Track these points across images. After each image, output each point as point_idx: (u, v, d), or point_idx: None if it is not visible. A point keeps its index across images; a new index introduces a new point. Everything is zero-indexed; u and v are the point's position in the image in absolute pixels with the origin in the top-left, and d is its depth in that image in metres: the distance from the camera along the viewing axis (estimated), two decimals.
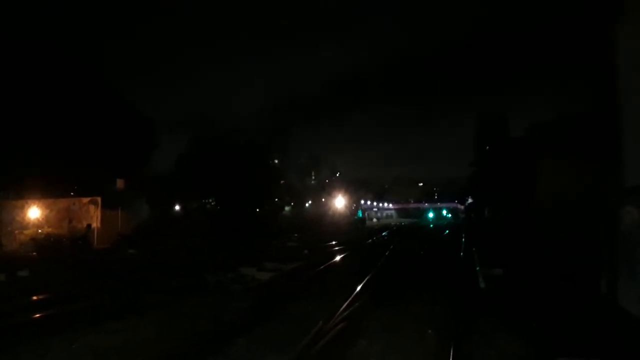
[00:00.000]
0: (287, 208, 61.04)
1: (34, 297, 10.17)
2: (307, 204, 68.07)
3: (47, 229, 25.18)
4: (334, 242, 26.04)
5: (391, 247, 22.27)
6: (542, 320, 7.75)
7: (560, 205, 20.06)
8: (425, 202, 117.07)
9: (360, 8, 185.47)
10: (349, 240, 27.36)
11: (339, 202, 59.56)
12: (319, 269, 14.66)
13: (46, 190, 26.78)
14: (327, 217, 57.92)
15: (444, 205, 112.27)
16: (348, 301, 8.82)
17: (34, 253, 22.04)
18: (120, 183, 31.77)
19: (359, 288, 10.34)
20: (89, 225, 26.37)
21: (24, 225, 25.24)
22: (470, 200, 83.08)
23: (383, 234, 37.04)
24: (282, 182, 58.11)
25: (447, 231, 41.61)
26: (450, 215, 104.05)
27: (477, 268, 13.54)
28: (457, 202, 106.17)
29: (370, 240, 29.18)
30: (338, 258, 18.00)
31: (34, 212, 25.54)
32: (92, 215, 27.12)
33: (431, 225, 60.40)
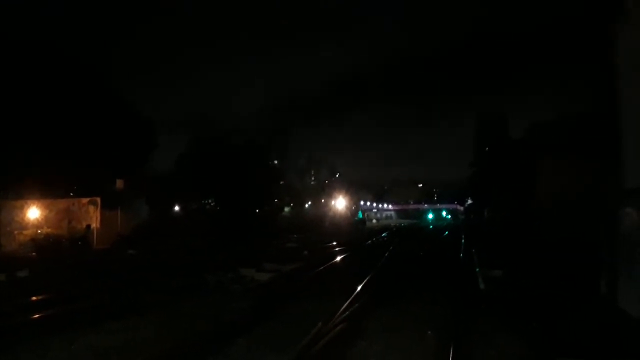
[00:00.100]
0: (286, 209, 61.09)
1: (34, 298, 10.16)
2: (306, 205, 68.11)
3: (46, 230, 25.15)
4: (333, 243, 26.03)
5: (391, 248, 22.26)
6: (541, 320, 7.75)
7: (560, 205, 20.07)
8: (425, 203, 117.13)
9: (360, 8, 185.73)
10: (348, 241, 27.34)
11: (340, 203, 59.55)
12: (318, 269, 14.66)
13: (45, 191, 26.76)
14: (326, 218, 57.92)
15: (444, 206, 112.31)
16: (348, 302, 8.82)
17: (34, 253, 22.01)
18: (119, 183, 31.74)
19: (358, 288, 10.34)
20: (88, 226, 26.34)
21: (24, 226, 25.21)
22: (469, 201, 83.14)
23: (383, 234, 37.04)
24: (281, 182, 58.15)
25: (446, 232, 41.61)
26: (449, 216, 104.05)
27: (477, 269, 13.54)
28: (457, 203, 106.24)
29: (369, 241, 29.18)
30: (338, 259, 17.99)
31: (34, 213, 25.51)
32: (92, 215, 27.10)
33: (431, 227, 60.39)
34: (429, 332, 7.20)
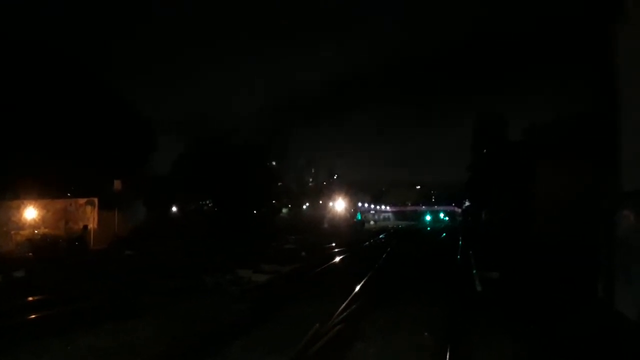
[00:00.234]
0: (284, 210, 61.02)
1: (30, 298, 10.13)
2: (304, 206, 68.08)
3: (43, 230, 25.06)
4: (332, 244, 26.02)
5: (388, 249, 22.28)
6: (539, 323, 7.77)
7: (557, 207, 20.12)
8: (423, 205, 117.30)
9: (360, 8, 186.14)
10: (346, 243, 27.35)
11: (339, 204, 59.54)
12: (316, 271, 14.66)
13: (43, 191, 26.66)
14: (325, 219, 57.93)
15: (442, 208, 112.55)
16: (345, 303, 8.83)
17: (30, 254, 21.93)
18: (117, 184, 31.64)
19: (356, 290, 10.36)
20: (85, 226, 26.27)
21: (20, 226, 25.11)
22: (467, 203, 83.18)
23: (380, 236, 37.05)
24: (279, 184, 58.07)
25: (444, 234, 41.65)
26: (447, 218, 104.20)
27: (474, 271, 13.56)
28: (455, 205, 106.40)
29: (367, 243, 29.18)
30: (336, 260, 18.00)
31: (31, 213, 25.42)
32: (89, 216, 27.03)
33: (428, 228, 60.44)
34: (426, 333, 7.21)
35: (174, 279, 13.04)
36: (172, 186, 39.27)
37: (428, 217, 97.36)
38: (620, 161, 8.36)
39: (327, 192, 69.76)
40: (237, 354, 6.38)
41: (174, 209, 42.26)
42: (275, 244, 27.05)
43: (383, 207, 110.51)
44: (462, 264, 16.48)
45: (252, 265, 14.81)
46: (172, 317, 8.59)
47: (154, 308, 9.24)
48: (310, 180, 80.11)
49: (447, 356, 6.00)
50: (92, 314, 8.70)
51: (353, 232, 45.32)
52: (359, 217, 70.21)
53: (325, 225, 54.46)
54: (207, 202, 46.13)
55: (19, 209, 25.52)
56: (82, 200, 27.39)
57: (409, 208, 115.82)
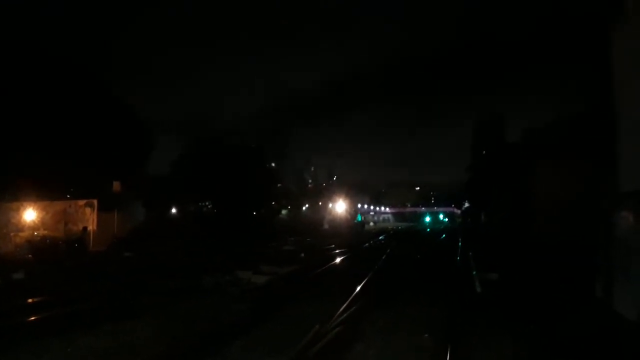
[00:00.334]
0: (283, 211, 61.03)
1: (30, 300, 10.13)
2: (304, 208, 68.10)
3: (42, 232, 25.03)
4: (331, 246, 26.02)
5: (388, 251, 22.28)
6: (538, 323, 7.78)
7: (557, 208, 20.14)
8: (422, 206, 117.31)
9: (361, 8, 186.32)
10: (346, 244, 27.34)
11: (339, 206, 59.56)
12: (316, 272, 14.65)
13: (42, 192, 26.64)
14: (325, 221, 57.94)
15: (441, 209, 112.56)
16: (345, 304, 8.84)
17: (30, 255, 21.91)
18: (116, 185, 31.61)
19: (356, 291, 10.36)
20: (85, 228, 26.26)
21: (20, 228, 25.08)
22: (467, 205, 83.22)
23: (380, 237, 37.05)
24: (279, 185, 58.09)
25: (443, 235, 41.66)
26: (447, 219, 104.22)
27: (474, 272, 13.57)
28: (454, 207, 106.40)
29: (367, 244, 29.18)
30: (335, 261, 17.99)
31: (30, 215, 25.40)
32: (88, 217, 27.02)
33: (428, 230, 60.44)
34: (426, 334, 7.22)
35: (174, 279, 13.05)
36: (171, 187, 39.26)
37: (427, 219, 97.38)
38: (619, 161, 8.38)
39: (326, 193, 69.79)
40: (237, 354, 6.39)
41: (174, 210, 42.23)
42: (275, 245, 27.04)
43: (382, 208, 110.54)
44: (461, 265, 16.49)
45: (251, 267, 14.81)
46: (171, 317, 8.59)
47: (154, 308, 9.24)
48: (310, 181, 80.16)
49: (447, 357, 6.01)
50: (91, 314, 8.71)
51: (353, 233, 45.33)
52: (359, 218, 70.21)
53: (326, 227, 54.46)
54: (207, 203, 46.13)
55: (18, 210, 25.50)
56: (81, 202, 27.39)
57: (409, 209, 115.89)
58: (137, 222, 30.59)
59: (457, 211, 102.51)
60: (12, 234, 24.69)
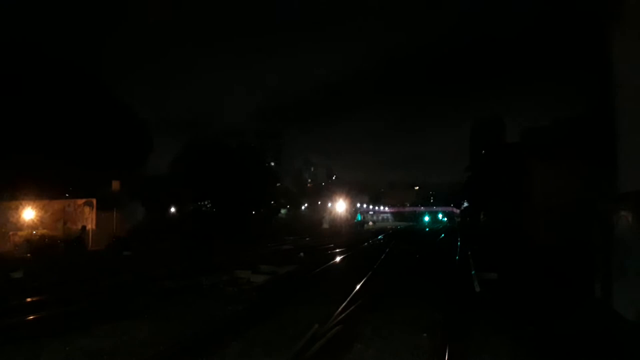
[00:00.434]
0: (283, 211, 61.04)
1: (28, 299, 10.13)
2: (303, 207, 68.11)
3: (41, 231, 25.02)
4: (330, 245, 26.03)
5: (387, 250, 22.29)
6: (537, 324, 7.78)
7: (555, 209, 20.13)
8: (421, 206, 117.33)
9: (360, 8, 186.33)
10: (345, 244, 27.35)
11: (340, 205, 59.60)
12: (314, 271, 14.64)
13: (41, 192, 26.62)
14: (325, 220, 57.96)
15: (440, 209, 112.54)
16: (344, 304, 8.84)
17: (28, 254, 21.89)
18: (115, 185, 31.59)
19: (354, 291, 10.36)
20: (83, 227, 26.24)
21: (19, 227, 25.07)
22: (466, 204, 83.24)
23: (379, 237, 37.05)
24: (278, 184, 58.11)
25: (442, 235, 41.68)
26: (446, 219, 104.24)
27: (473, 272, 13.58)
28: (453, 206, 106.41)
29: (366, 244, 29.17)
30: (334, 261, 17.97)
31: (29, 214, 25.38)
32: (87, 216, 27.00)
33: (427, 229, 60.47)
34: (425, 334, 7.22)
35: (172, 279, 13.03)
36: (170, 186, 39.21)
37: (427, 218, 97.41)
38: (618, 162, 8.39)
39: (326, 193, 69.82)
40: (233, 355, 6.37)
41: (173, 209, 42.18)
42: (274, 245, 27.04)
43: (382, 207, 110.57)
44: (460, 264, 16.50)
45: (250, 266, 14.80)
46: (169, 317, 8.57)
47: (152, 308, 9.23)
48: (309, 180, 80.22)
49: (446, 357, 6.01)
50: (89, 314, 8.70)
51: (353, 233, 45.34)
52: (359, 218, 70.29)
53: (326, 226, 54.50)
54: (206, 202, 46.09)
55: (17, 209, 25.48)
56: (80, 201, 27.36)
57: (408, 209, 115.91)
58: (136, 221, 30.54)
59: (456, 211, 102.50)
60: (11, 233, 24.67)
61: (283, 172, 64.00)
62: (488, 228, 43.42)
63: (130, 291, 11.29)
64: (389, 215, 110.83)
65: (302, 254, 20.88)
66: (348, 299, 9.30)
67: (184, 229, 33.19)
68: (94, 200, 27.32)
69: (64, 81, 31.70)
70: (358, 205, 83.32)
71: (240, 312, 9.01)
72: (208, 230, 33.49)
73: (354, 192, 77.10)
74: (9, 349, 6.65)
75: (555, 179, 20.83)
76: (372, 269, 14.35)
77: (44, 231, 25.04)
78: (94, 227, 26.74)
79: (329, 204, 63.85)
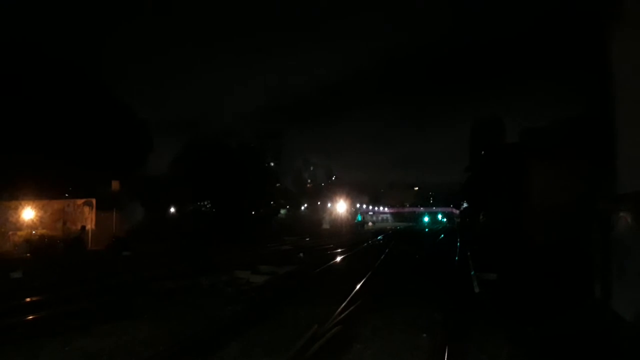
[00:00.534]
0: (282, 211, 61.03)
1: (27, 299, 10.12)
2: (302, 207, 68.11)
3: (41, 231, 25.02)
4: (329, 246, 26.03)
5: (387, 250, 22.28)
6: (536, 324, 7.78)
7: (555, 209, 20.13)
8: (421, 207, 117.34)
9: (360, 9, 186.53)
10: (344, 244, 27.36)
11: (341, 206, 59.64)
12: (314, 272, 14.64)
13: (40, 192, 26.63)
14: (324, 221, 57.98)
15: (440, 209, 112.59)
16: (343, 304, 8.83)
17: (28, 254, 21.89)
18: (115, 185, 31.60)
19: (354, 291, 10.35)
20: (83, 227, 26.23)
21: (18, 227, 25.07)
22: (465, 205, 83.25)
23: (379, 237, 37.04)
24: (277, 185, 58.12)
25: (442, 235, 41.68)
26: (445, 219, 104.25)
27: (472, 272, 13.58)
28: (453, 207, 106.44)
29: (365, 244, 29.16)
30: (334, 261, 17.96)
31: (28, 214, 25.38)
32: (87, 216, 27.00)
33: (426, 230, 60.47)
34: (425, 334, 7.22)
35: (172, 279, 13.03)
36: (170, 187, 39.22)
37: (426, 219, 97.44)
38: (617, 162, 8.39)
39: (325, 193, 69.84)
40: (232, 355, 6.37)
41: (172, 209, 42.19)
42: (274, 245, 27.04)
43: (381, 208, 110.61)
44: (460, 265, 16.50)
45: (249, 267, 14.80)
46: (169, 318, 8.57)
47: (149, 309, 9.23)
48: (309, 181, 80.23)
49: (445, 357, 6.01)
50: (89, 314, 8.69)
51: (352, 233, 45.35)
52: (359, 218, 70.31)
53: (327, 227, 54.53)
54: (206, 202, 46.09)
55: (16, 209, 25.49)
56: (79, 201, 27.37)
57: (407, 209, 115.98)
58: (135, 221, 30.55)
59: (456, 211, 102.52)
60: (10, 232, 24.68)
61: (283, 172, 63.97)
62: (487, 228, 43.41)
63: (130, 291, 11.29)
64: (388, 215, 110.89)
65: (301, 254, 20.88)
66: (348, 299, 9.30)
67: (184, 229, 33.19)
68: (94, 200, 27.32)
69: (64, 81, 31.72)
70: (358, 205, 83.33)
71: (240, 312, 9.01)
72: (208, 230, 33.49)
73: (354, 192, 77.16)
74: (8, 349, 6.65)
75: (555, 179, 20.83)
76: (372, 269, 14.35)
77: (44, 231, 25.04)
78: (93, 227, 26.74)
79: (329, 204, 63.88)
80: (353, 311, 8.48)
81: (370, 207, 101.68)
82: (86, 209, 27.08)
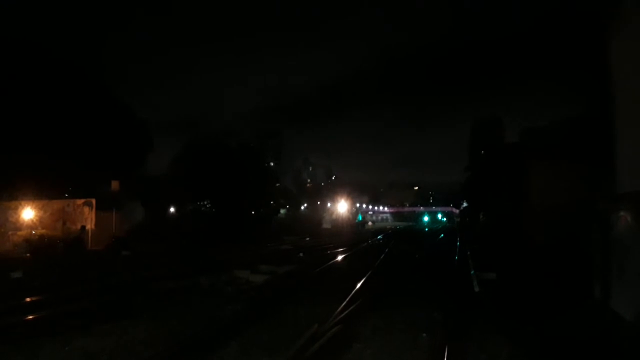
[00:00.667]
0: (282, 211, 61.02)
1: (27, 299, 10.12)
2: (302, 207, 68.10)
3: (40, 231, 25.01)
4: (329, 245, 26.03)
5: (387, 250, 22.29)
6: (536, 324, 7.78)
7: (555, 209, 20.14)
8: (421, 206, 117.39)
9: (359, 9, 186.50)
10: (344, 243, 27.36)
11: (341, 206, 59.64)
12: (314, 271, 14.65)
13: (40, 192, 26.64)
14: (324, 220, 57.98)
15: (439, 209, 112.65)
16: (343, 304, 8.84)
17: (28, 254, 21.89)
18: (115, 185, 31.60)
19: (354, 290, 10.36)
20: (83, 227, 26.24)
21: (18, 227, 25.07)
22: (465, 205, 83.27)
23: (379, 237, 37.06)
24: (277, 184, 58.10)
25: (442, 235, 41.69)
26: (445, 219, 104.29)
27: (472, 272, 13.58)
28: (452, 206, 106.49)
29: (365, 244, 29.17)
30: (334, 261, 17.97)
31: (28, 214, 25.38)
32: (87, 216, 27.00)
33: (426, 229, 60.49)
34: (424, 334, 7.23)
35: (171, 279, 13.04)
36: (170, 186, 39.22)
37: (426, 218, 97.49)
38: (617, 162, 8.39)
39: (325, 193, 69.85)
40: (232, 355, 6.38)
41: (172, 209, 42.19)
42: (273, 245, 27.05)
43: (381, 208, 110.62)
44: (459, 264, 16.51)
45: (248, 266, 14.81)
46: (168, 317, 8.57)
47: (149, 309, 9.24)
48: (309, 181, 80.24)
49: (445, 357, 6.01)
50: (89, 314, 8.69)
51: (353, 232, 45.37)
52: (359, 218, 70.34)
53: (327, 226, 54.54)
54: (205, 202, 46.10)
55: (16, 209, 25.49)
56: (79, 201, 27.38)
57: (407, 209, 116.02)
58: (135, 221, 30.57)
59: (456, 211, 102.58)
60: (10, 232, 24.69)
61: (282, 172, 63.95)
62: (487, 228, 43.44)
63: (129, 291, 11.29)
64: (388, 215, 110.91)
65: (301, 254, 20.89)
66: (348, 299, 9.30)
67: (184, 229, 33.19)
68: (94, 200, 27.33)
69: (64, 81, 31.71)
70: (358, 205, 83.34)
71: (240, 311, 9.01)
72: (207, 230, 33.49)
73: (354, 192, 77.16)
74: (8, 349, 6.65)
75: (555, 179, 20.84)
76: (372, 269, 14.35)
77: (43, 231, 25.04)
78: (93, 227, 26.74)
79: (329, 204, 63.88)
80: (353, 310, 8.48)
81: (370, 207, 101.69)
82: (86, 209, 27.08)
